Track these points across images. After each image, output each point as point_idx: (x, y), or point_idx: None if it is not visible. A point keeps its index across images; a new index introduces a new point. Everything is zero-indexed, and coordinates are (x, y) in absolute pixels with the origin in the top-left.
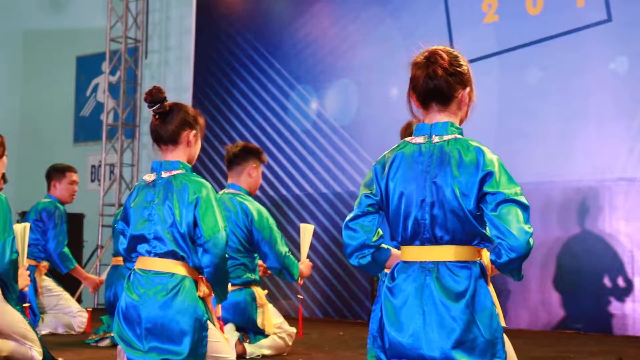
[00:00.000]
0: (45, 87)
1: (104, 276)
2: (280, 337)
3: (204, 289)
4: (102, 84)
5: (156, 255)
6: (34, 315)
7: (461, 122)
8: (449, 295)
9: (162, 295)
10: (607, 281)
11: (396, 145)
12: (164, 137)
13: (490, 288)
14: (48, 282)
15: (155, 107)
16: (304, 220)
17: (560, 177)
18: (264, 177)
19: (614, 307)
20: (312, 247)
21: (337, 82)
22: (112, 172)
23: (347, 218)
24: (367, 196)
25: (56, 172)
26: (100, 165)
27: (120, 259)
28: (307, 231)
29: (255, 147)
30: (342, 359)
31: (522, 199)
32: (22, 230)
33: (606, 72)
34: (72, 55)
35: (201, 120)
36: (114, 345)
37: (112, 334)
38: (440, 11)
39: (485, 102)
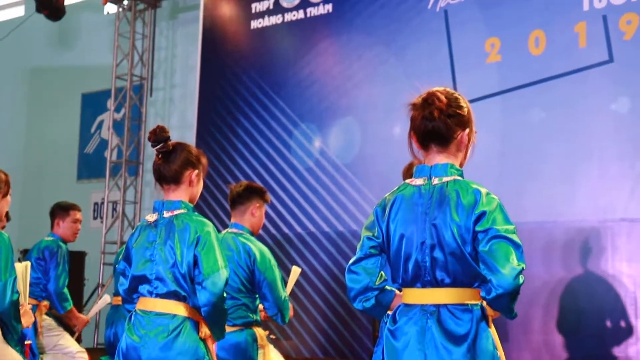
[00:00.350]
0: (50, 123)
1: (90, 314)
2: None
3: (205, 330)
4: (106, 121)
5: (157, 295)
6: (33, 356)
7: (461, 164)
8: (450, 338)
9: (163, 337)
10: (609, 323)
11: (397, 188)
12: (167, 176)
13: (492, 330)
14: (48, 322)
15: (158, 147)
16: (305, 259)
17: (563, 217)
18: (267, 215)
19: (617, 350)
20: (313, 286)
21: (341, 120)
22: (114, 209)
23: (350, 262)
24: (369, 238)
25: (60, 210)
26: (103, 203)
27: (120, 298)
28: (295, 274)
29: (259, 187)
30: None
31: (514, 237)
32: (23, 270)
33: (608, 113)
34: (78, 92)
35: (204, 160)
36: None
37: None
38: (443, 51)
39: (487, 142)
